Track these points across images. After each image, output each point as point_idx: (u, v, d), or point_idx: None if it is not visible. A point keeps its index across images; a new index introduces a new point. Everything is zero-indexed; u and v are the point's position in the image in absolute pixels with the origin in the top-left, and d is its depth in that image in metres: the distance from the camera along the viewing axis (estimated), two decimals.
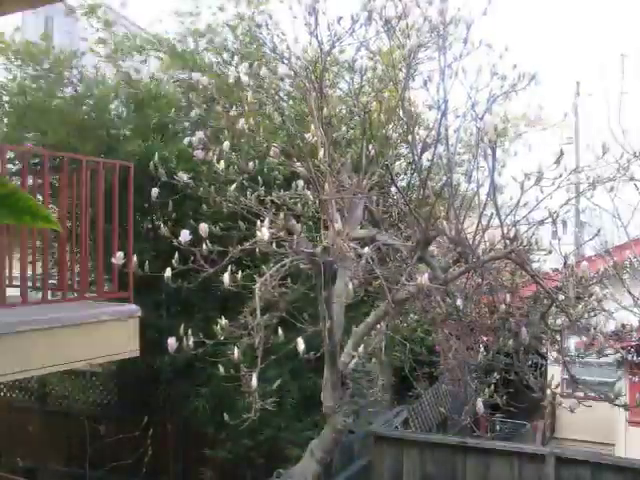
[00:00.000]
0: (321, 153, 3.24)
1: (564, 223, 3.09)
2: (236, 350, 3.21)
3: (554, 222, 3.12)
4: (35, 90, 7.51)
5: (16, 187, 1.03)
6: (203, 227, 3.30)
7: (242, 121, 3.49)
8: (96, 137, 7.30)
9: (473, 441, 7.37)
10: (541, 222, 3.27)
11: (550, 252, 3.36)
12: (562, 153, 3.12)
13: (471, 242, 3.68)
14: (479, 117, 3.51)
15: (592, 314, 3.04)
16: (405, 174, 4.85)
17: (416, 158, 3.77)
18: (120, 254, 3.34)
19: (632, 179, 3.32)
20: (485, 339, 3.77)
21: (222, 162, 3.56)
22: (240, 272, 3.51)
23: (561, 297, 3.15)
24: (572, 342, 3.15)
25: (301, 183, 3.74)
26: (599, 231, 3.24)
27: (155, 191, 3.84)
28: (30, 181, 5.01)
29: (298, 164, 3.95)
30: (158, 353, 6.54)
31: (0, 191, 1.00)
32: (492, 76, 3.38)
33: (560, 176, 3.21)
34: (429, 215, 4.07)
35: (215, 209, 3.88)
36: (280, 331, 3.39)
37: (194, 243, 3.47)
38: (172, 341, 3.20)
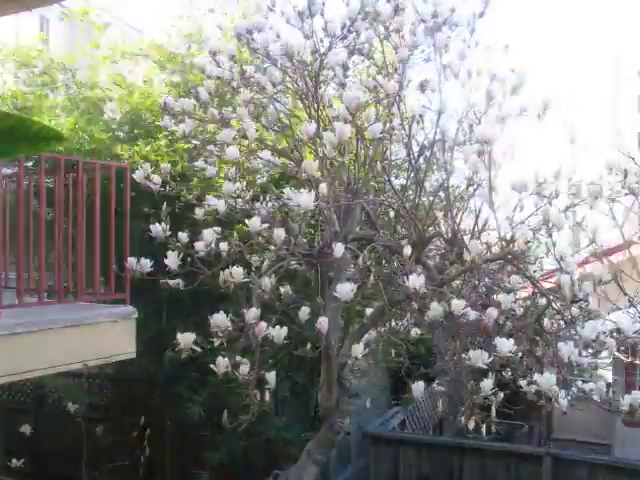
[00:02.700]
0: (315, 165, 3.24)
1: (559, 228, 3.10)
2: (238, 358, 3.21)
3: (550, 228, 3.13)
4: (28, 94, 7.51)
5: (22, 116, 0.99)
6: (209, 233, 3.30)
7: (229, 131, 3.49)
8: (89, 140, 7.31)
9: (469, 442, 7.39)
10: (538, 229, 3.28)
11: (547, 253, 3.37)
12: (561, 166, 3.12)
13: (468, 244, 3.68)
14: (478, 119, 3.52)
15: (587, 318, 3.05)
16: (400, 176, 4.86)
17: (413, 160, 3.77)
18: (132, 260, 3.33)
19: (632, 192, 3.34)
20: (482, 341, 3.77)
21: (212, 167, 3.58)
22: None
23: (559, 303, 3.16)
24: (568, 345, 3.15)
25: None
26: (595, 239, 3.23)
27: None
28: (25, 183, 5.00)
29: (292, 165, 3.96)
30: (154, 355, 6.54)
31: (9, 122, 0.94)
32: (491, 80, 3.38)
33: (558, 190, 3.23)
34: (425, 216, 4.08)
35: (210, 212, 3.88)
36: (277, 332, 3.39)
37: (191, 246, 3.47)
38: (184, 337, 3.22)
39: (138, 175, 3.65)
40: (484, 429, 3.47)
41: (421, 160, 3.89)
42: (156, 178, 3.75)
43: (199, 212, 3.72)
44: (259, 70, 3.66)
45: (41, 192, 4.64)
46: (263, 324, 3.30)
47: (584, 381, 3.27)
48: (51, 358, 4.37)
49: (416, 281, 2.93)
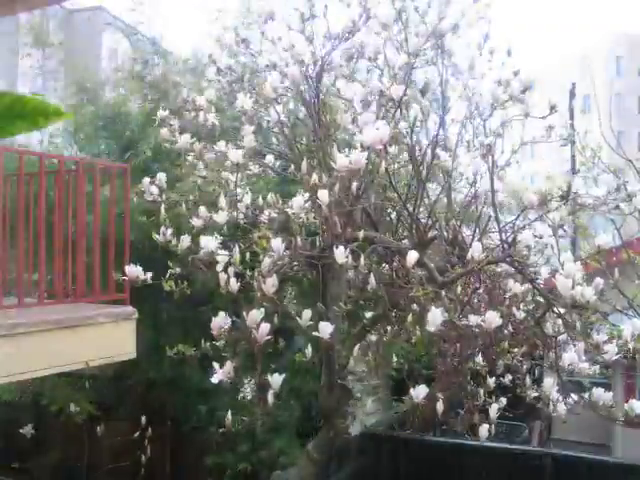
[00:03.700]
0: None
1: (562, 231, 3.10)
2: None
3: (554, 233, 3.13)
4: None
5: (18, 94, 0.98)
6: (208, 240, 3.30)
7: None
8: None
9: (469, 442, 7.38)
10: (540, 237, 3.28)
11: (547, 262, 3.37)
12: (569, 191, 3.12)
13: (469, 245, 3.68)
14: (483, 121, 3.52)
15: (588, 323, 3.05)
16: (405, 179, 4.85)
17: (416, 163, 3.77)
18: (131, 268, 3.34)
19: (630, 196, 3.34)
20: (482, 343, 3.78)
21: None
22: (239, 278, 3.51)
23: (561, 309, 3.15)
24: (569, 348, 3.15)
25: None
26: (599, 249, 3.23)
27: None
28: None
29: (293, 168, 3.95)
30: (155, 355, 6.53)
31: (5, 101, 0.94)
32: (498, 85, 3.38)
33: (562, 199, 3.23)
34: (427, 218, 4.08)
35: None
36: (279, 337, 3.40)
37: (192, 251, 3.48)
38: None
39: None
40: (483, 431, 3.47)
41: (424, 163, 3.88)
42: (153, 188, 3.75)
43: (197, 222, 3.71)
44: (260, 75, 3.67)
45: (41, 192, 4.64)
46: (265, 326, 3.29)
47: (582, 386, 3.27)
48: (51, 358, 4.36)
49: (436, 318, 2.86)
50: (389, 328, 4.46)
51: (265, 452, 6.74)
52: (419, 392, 3.28)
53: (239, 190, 3.59)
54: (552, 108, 3.26)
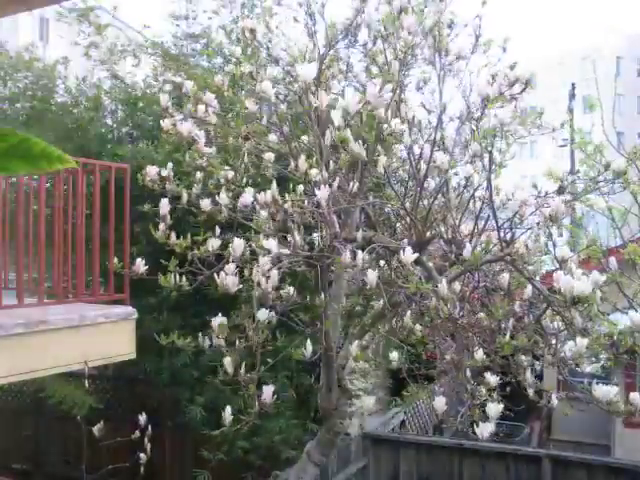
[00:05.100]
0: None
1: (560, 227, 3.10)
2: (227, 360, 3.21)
3: (551, 226, 3.13)
4: (25, 99, 7.58)
5: (26, 135, 0.99)
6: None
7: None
8: (86, 142, 7.35)
9: (469, 442, 7.38)
10: (538, 224, 3.28)
11: (547, 253, 3.37)
12: (563, 187, 3.11)
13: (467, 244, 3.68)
14: (476, 120, 3.52)
15: (587, 319, 3.05)
16: (401, 178, 4.86)
17: (413, 162, 3.77)
18: (139, 261, 3.34)
19: (626, 181, 3.33)
20: (482, 341, 3.77)
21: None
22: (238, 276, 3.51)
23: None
24: (568, 345, 3.15)
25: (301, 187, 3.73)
26: (601, 246, 3.21)
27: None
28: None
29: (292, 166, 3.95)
30: (154, 356, 6.54)
31: (11, 140, 0.96)
32: (492, 81, 3.38)
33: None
34: (425, 217, 4.08)
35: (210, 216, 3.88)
36: (278, 334, 3.39)
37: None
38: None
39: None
40: (483, 431, 3.46)
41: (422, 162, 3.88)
42: (155, 177, 3.74)
43: (201, 215, 3.71)
44: (261, 69, 3.67)
45: (41, 192, 4.64)
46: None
47: (581, 382, 3.27)
48: (51, 358, 4.36)
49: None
50: (388, 326, 4.46)
51: (264, 449, 6.74)
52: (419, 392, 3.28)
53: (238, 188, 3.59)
54: (526, 85, 3.22)
